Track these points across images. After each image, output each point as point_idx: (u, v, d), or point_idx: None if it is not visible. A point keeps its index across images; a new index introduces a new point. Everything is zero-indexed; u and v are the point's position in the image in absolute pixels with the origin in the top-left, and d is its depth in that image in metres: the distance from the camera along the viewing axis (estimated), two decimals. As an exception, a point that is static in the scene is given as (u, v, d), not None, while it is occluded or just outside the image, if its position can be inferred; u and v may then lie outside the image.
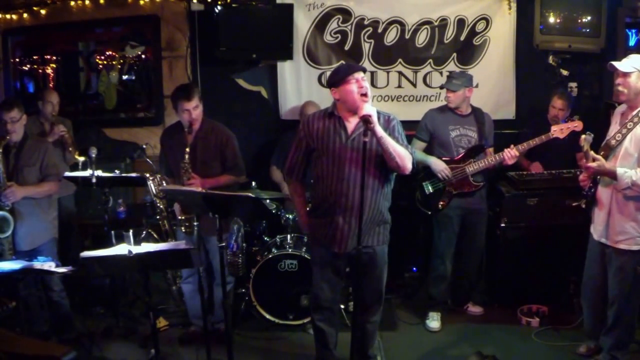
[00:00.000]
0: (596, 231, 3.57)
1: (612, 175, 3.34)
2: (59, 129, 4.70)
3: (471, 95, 4.28)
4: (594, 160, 3.35)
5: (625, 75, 3.33)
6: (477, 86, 5.24)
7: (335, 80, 3.24)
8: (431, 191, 4.31)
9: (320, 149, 3.33)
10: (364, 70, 3.26)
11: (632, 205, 3.38)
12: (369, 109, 3.03)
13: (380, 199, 3.33)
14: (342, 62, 5.31)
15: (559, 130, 3.98)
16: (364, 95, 3.14)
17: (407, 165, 3.21)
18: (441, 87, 4.39)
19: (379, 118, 3.16)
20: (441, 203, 4.26)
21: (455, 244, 4.38)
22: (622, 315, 3.52)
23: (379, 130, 3.09)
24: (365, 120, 2.99)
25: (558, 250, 4.36)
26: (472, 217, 4.34)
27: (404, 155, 3.18)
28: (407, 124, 4.45)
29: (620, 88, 3.37)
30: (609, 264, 3.52)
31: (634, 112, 3.36)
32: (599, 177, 3.49)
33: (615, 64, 3.36)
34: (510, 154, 4.03)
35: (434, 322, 4.37)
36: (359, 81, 3.17)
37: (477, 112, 4.31)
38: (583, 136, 3.41)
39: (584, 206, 3.63)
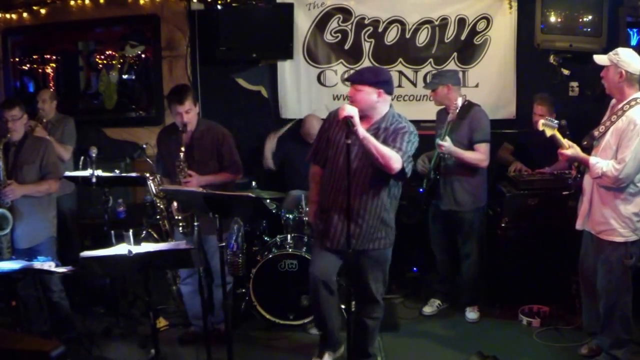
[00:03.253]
0: (579, 219, 3.61)
1: (585, 164, 3.41)
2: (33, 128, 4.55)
3: (450, 91, 4.24)
4: (569, 147, 3.42)
5: (606, 68, 3.41)
6: (477, 86, 5.28)
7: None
8: (424, 187, 4.48)
9: (328, 145, 3.46)
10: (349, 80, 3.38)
11: (613, 195, 3.40)
12: (350, 109, 3.03)
13: (378, 203, 3.35)
14: (342, 60, 5.34)
15: (451, 114, 4.05)
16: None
17: (392, 165, 3.16)
18: (424, 87, 4.46)
19: (392, 122, 3.30)
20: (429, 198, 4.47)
21: (447, 244, 4.54)
22: (614, 309, 3.51)
23: (361, 132, 3.09)
24: (346, 122, 3.00)
25: (559, 250, 4.34)
26: (451, 219, 4.39)
27: (388, 156, 3.15)
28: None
29: (602, 81, 3.47)
30: (595, 255, 3.54)
31: (619, 106, 3.40)
32: (582, 166, 3.52)
33: (595, 57, 3.46)
34: (438, 142, 4.09)
35: (428, 307, 4.59)
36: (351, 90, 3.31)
37: (464, 108, 4.23)
38: (541, 121, 3.47)
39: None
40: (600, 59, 3.43)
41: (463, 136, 4.19)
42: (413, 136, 3.31)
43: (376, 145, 3.14)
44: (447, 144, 4.05)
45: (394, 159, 3.17)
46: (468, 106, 4.27)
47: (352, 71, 5.25)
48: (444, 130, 4.08)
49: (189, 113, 3.88)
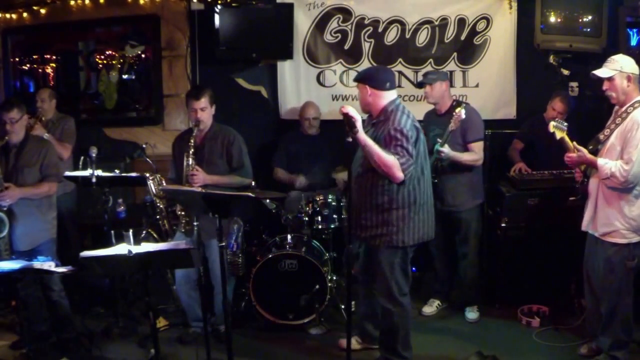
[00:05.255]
0: (584, 221, 3.62)
1: (594, 165, 3.42)
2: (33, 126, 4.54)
3: (447, 89, 4.33)
4: (576, 150, 3.43)
5: (610, 79, 3.42)
6: (477, 86, 5.28)
7: None
8: None
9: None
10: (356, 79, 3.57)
11: (617, 196, 3.41)
12: (350, 109, 3.11)
13: (375, 197, 3.39)
14: (341, 60, 5.36)
15: (453, 124, 4.05)
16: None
17: (395, 174, 3.24)
18: (419, 85, 4.38)
19: (386, 118, 3.37)
20: None
21: (445, 244, 4.53)
22: (615, 311, 3.51)
23: (362, 138, 3.16)
24: (348, 121, 3.07)
25: (559, 250, 4.35)
26: (449, 218, 4.39)
27: (389, 165, 3.21)
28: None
29: (608, 93, 3.46)
30: (598, 256, 3.55)
31: (623, 109, 3.42)
32: (589, 169, 3.53)
33: (596, 72, 3.46)
34: (438, 149, 4.09)
35: (428, 307, 4.60)
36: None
37: (452, 110, 4.24)
38: (552, 123, 3.50)
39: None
40: (603, 72, 3.43)
41: (457, 136, 4.20)
42: (404, 138, 3.29)
43: (379, 153, 3.21)
44: (446, 150, 4.08)
45: (396, 168, 3.22)
46: (458, 105, 4.29)
47: (351, 71, 5.31)
48: (444, 138, 4.09)
49: (204, 111, 3.96)
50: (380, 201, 3.39)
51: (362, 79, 3.50)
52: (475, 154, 4.24)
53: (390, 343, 3.62)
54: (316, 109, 5.06)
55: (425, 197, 3.48)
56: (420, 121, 4.50)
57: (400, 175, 3.24)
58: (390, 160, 3.21)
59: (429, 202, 3.52)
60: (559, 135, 3.47)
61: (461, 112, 4.02)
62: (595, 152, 3.49)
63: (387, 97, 3.45)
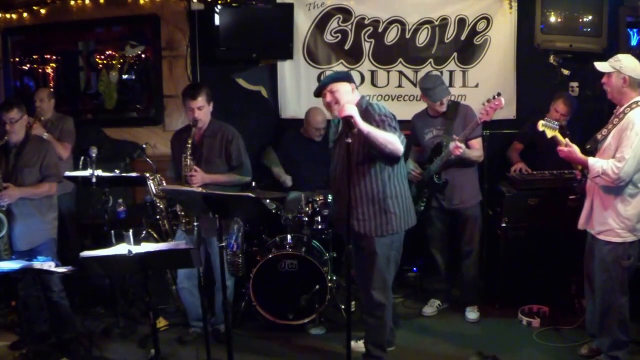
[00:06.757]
0: (581, 219, 3.63)
1: (583, 164, 3.43)
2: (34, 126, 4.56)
3: None
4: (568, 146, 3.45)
5: (608, 75, 3.45)
6: (477, 86, 5.28)
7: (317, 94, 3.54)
8: (414, 193, 4.38)
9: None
10: (329, 82, 3.47)
11: (613, 196, 3.42)
12: (350, 109, 3.11)
13: (370, 189, 3.45)
14: (342, 61, 5.36)
15: (484, 114, 4.00)
16: (329, 105, 3.41)
17: (398, 147, 3.27)
18: (442, 98, 4.25)
19: (365, 109, 3.39)
20: (421, 204, 4.38)
21: (448, 244, 4.54)
22: (610, 310, 3.51)
23: (364, 128, 3.16)
24: (347, 121, 3.07)
25: (559, 250, 4.35)
26: (455, 216, 4.41)
27: (391, 141, 3.25)
28: (407, 124, 4.47)
29: (604, 87, 3.50)
30: (594, 255, 3.55)
31: (621, 109, 3.44)
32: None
33: (596, 64, 3.49)
34: (453, 145, 4.06)
35: (428, 307, 4.60)
36: (326, 95, 3.43)
37: (449, 110, 4.29)
38: (541, 122, 3.50)
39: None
40: (602, 66, 3.45)
41: (459, 134, 4.20)
42: (388, 119, 3.38)
43: (382, 134, 3.24)
44: (464, 146, 4.08)
45: (397, 141, 3.27)
46: (455, 105, 4.32)
47: (353, 71, 5.27)
48: (463, 135, 4.07)
49: (201, 110, 3.95)
50: (376, 191, 3.47)
51: (341, 77, 3.53)
52: (478, 151, 4.27)
53: (379, 338, 3.66)
54: (323, 116, 4.90)
55: (406, 186, 3.61)
56: (406, 121, 4.53)
57: (401, 148, 3.30)
58: (390, 135, 3.27)
59: (407, 191, 3.63)
60: (549, 134, 3.48)
61: (501, 100, 3.95)
62: (593, 152, 3.50)
63: (357, 94, 3.54)
